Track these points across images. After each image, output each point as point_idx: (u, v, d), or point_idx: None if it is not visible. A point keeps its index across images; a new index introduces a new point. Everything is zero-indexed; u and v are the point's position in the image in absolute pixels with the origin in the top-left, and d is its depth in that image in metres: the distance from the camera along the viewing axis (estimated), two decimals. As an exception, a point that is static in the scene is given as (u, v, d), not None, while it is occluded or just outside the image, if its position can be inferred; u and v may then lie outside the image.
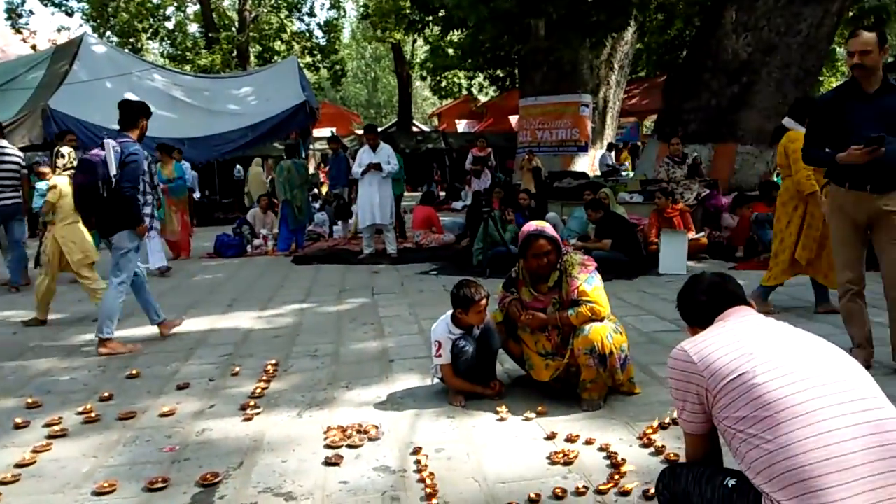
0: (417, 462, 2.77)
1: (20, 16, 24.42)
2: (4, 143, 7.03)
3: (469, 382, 3.50)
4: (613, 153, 16.84)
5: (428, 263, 7.98)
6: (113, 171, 4.55)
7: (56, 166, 5.77)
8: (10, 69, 16.14)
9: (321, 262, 8.53)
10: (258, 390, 3.71)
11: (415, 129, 31.51)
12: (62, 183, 5.63)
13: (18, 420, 3.37)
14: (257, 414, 3.39)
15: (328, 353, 4.45)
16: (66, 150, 6.53)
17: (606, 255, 6.49)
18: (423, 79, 31.38)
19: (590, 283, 3.40)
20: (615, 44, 15.81)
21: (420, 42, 31.53)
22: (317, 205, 12.31)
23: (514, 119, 23.20)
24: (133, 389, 3.86)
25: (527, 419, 3.19)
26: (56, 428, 3.25)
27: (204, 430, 3.23)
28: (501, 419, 3.21)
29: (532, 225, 3.54)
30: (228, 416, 3.39)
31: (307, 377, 3.98)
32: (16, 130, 11.80)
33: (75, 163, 5.61)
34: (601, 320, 3.33)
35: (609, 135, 17.06)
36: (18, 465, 2.86)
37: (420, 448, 2.88)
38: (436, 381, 3.60)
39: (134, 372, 4.12)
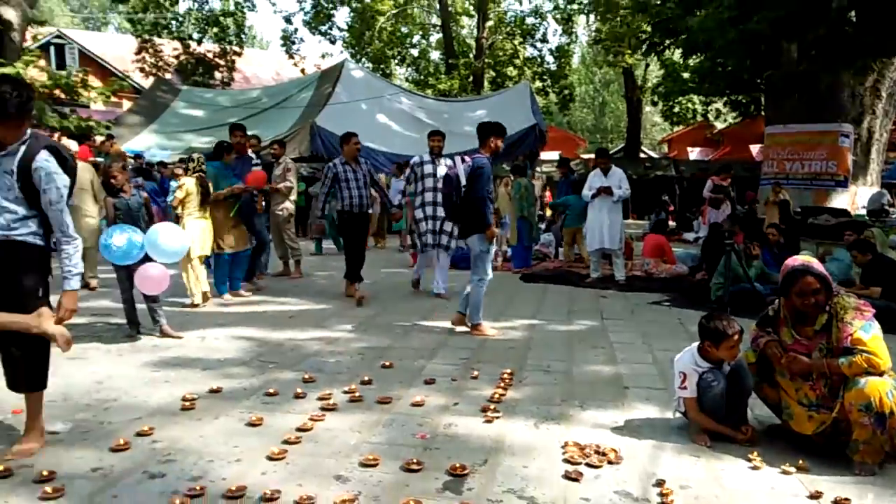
0: (662, 495, 2.70)
1: (293, 43, 28.11)
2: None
3: (715, 421, 3.33)
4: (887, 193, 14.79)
5: (659, 294, 7.72)
6: (463, 181, 5.52)
7: (188, 168, 6.65)
8: (285, 89, 18.73)
9: (547, 281, 8.65)
10: (496, 395, 3.87)
11: (643, 155, 30.67)
12: (189, 183, 6.35)
13: (298, 391, 3.90)
14: (497, 417, 3.54)
15: (560, 371, 4.51)
16: (195, 155, 7.46)
17: (876, 304, 5.74)
18: (655, 104, 30.45)
19: (867, 331, 3.06)
20: (883, 69, 14.00)
21: (653, 66, 30.69)
22: (542, 225, 12.51)
23: (755, 148, 21.54)
24: (388, 378, 4.26)
25: (785, 472, 2.95)
26: (328, 402, 3.70)
27: (450, 424, 3.46)
28: (755, 467, 3.01)
29: (797, 260, 3.28)
30: (470, 416, 3.59)
31: (541, 391, 4.07)
32: (290, 143, 13.58)
33: (203, 167, 6.55)
34: (880, 374, 2.98)
35: (874, 170, 15.09)
36: (300, 430, 3.30)
37: (664, 481, 2.81)
38: (677, 414, 3.48)
39: (388, 363, 4.54)
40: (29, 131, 3.06)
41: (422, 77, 30.88)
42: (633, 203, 21.98)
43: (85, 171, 7.02)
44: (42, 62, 15.64)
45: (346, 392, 3.89)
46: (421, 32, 32.00)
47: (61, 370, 4.31)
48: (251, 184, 7.07)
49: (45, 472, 2.77)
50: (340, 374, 4.33)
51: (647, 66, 31.22)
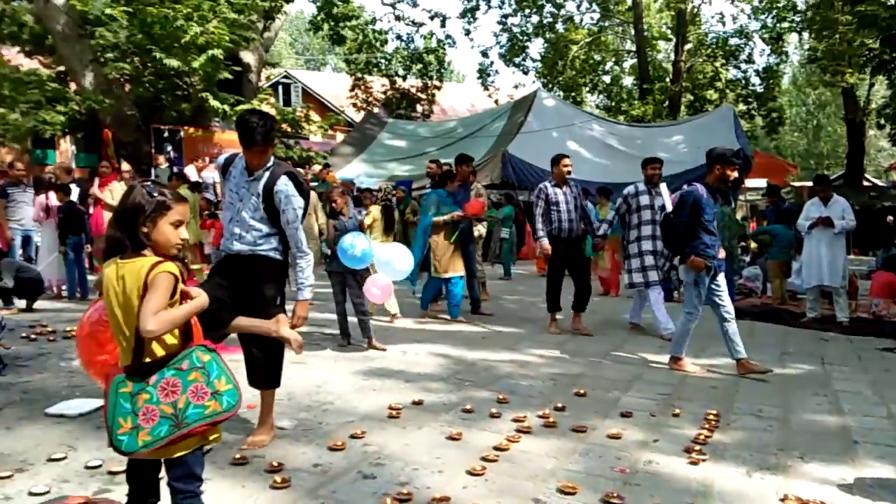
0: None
1: (488, 75, 29.09)
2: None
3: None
4: None
5: (891, 339, 6.78)
6: (668, 208, 5.40)
7: (377, 198, 6.89)
8: (479, 119, 19.41)
9: (755, 318, 7.98)
10: (701, 437, 3.64)
11: (867, 183, 27.33)
12: (375, 211, 7.30)
13: (493, 410, 3.98)
14: (703, 460, 3.33)
15: (774, 417, 4.13)
16: (384, 184, 7.65)
17: None
18: (881, 126, 27.05)
19: None
20: None
21: (878, 86, 27.33)
22: (747, 258, 11.60)
23: None
24: (581, 406, 4.20)
25: None
26: (523, 424, 3.72)
27: (650, 461, 3.31)
28: None
29: None
30: (673, 455, 3.40)
31: (753, 436, 3.75)
32: (481, 171, 14.02)
33: (390, 196, 6.78)
34: None
35: None
36: (497, 448, 3.36)
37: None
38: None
39: (581, 391, 4.48)
40: (272, 159, 3.49)
41: (613, 103, 30.32)
42: (856, 236, 19.60)
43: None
44: (272, 100, 17.73)
45: (540, 416, 3.90)
46: (614, 59, 31.50)
47: (286, 373, 4.79)
48: (469, 212, 7.15)
49: (274, 463, 3.10)
50: (533, 398, 4.34)
51: (872, 85, 27.87)
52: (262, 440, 3.42)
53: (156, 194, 2.06)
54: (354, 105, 24.79)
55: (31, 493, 2.77)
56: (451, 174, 7.34)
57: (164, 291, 1.97)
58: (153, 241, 2.05)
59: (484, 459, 3.21)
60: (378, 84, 25.13)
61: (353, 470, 3.09)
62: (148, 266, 1.98)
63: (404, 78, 24.92)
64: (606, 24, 30.06)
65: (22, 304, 7.17)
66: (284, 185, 3.38)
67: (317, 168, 15.00)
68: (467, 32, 25.56)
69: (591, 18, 29.84)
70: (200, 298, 2.08)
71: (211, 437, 2.11)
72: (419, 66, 24.72)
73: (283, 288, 3.54)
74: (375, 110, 23.38)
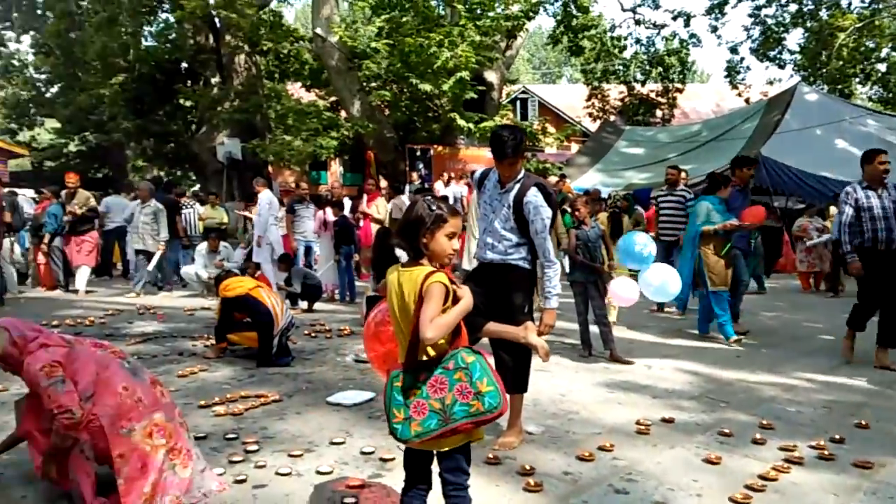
0: None
1: (738, 73, 26.90)
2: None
3: None
4: None
5: None
6: None
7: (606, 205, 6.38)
8: (727, 121, 18.03)
9: None
10: None
11: None
12: (602, 217, 7.37)
13: (757, 436, 3.66)
14: None
15: None
16: (613, 192, 6.96)
17: None
18: None
19: None
20: None
21: None
22: None
23: None
24: (864, 439, 3.69)
25: None
26: (793, 454, 3.38)
27: (961, 513, 2.80)
28: None
29: None
30: None
31: None
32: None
33: (618, 203, 6.20)
34: None
35: None
36: (763, 477, 3.09)
37: None
38: None
39: (863, 423, 3.93)
40: (522, 171, 3.62)
41: (891, 95, 26.15)
42: None
43: None
44: (510, 115, 18.34)
45: (813, 447, 3.49)
46: (891, 44, 27.16)
47: (531, 379, 4.93)
48: (747, 220, 6.44)
49: (526, 466, 3.19)
50: (803, 426, 3.91)
51: None
52: (512, 442, 3.54)
53: (434, 208, 2.26)
54: (590, 114, 24.59)
55: (318, 472, 3.18)
56: (724, 179, 6.71)
57: (437, 300, 2.15)
58: (430, 250, 2.25)
59: (748, 488, 2.97)
60: (615, 91, 24.67)
61: (604, 482, 3.07)
62: (423, 276, 2.18)
63: (643, 83, 24.14)
64: (881, 5, 26.07)
65: (304, 305, 8.30)
66: (534, 196, 3.48)
67: (553, 179, 15.16)
68: (714, 29, 23.79)
69: (863, 1, 26.13)
70: (466, 300, 2.24)
71: (475, 436, 2.25)
72: (659, 69, 23.77)
73: (531, 296, 3.65)
74: (612, 118, 22.96)
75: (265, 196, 9.36)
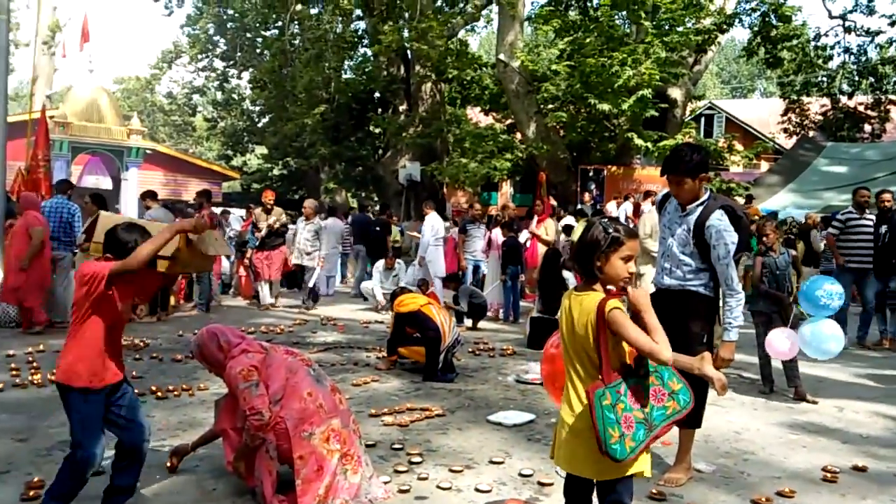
0: None
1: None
2: None
3: None
4: None
5: None
6: None
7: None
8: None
9: None
10: None
11: None
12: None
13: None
14: None
15: None
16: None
17: None
18: None
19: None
20: None
21: None
22: None
23: None
24: None
25: None
26: None
27: None
28: None
29: None
30: None
31: None
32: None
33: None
34: None
35: None
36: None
37: None
38: None
39: None
40: (707, 192, 3.44)
41: None
42: None
43: None
44: (692, 132, 17.40)
45: None
46: None
47: (704, 414, 4.63)
48: None
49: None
50: None
51: None
52: (679, 478, 3.36)
53: (611, 230, 2.22)
54: (785, 130, 22.59)
55: (477, 489, 3.24)
56: None
57: (630, 322, 2.13)
58: (605, 273, 2.22)
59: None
60: (816, 105, 22.46)
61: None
62: (595, 304, 2.15)
63: (850, 95, 21.73)
64: None
65: (469, 323, 8.50)
66: (718, 219, 3.29)
67: (738, 200, 14.13)
68: (941, 33, 20.81)
69: None
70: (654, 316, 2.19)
71: (642, 471, 2.19)
72: (871, 79, 21.25)
73: (711, 325, 3.45)
74: (811, 134, 20.93)
75: (430, 219, 9.77)
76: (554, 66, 14.78)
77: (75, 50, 25.00)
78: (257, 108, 27.25)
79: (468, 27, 21.62)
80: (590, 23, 14.80)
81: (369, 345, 7.07)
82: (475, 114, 22.49)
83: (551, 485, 3.26)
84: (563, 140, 15.69)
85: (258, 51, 24.56)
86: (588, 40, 13.97)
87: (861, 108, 21.54)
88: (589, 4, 16.86)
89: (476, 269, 10.16)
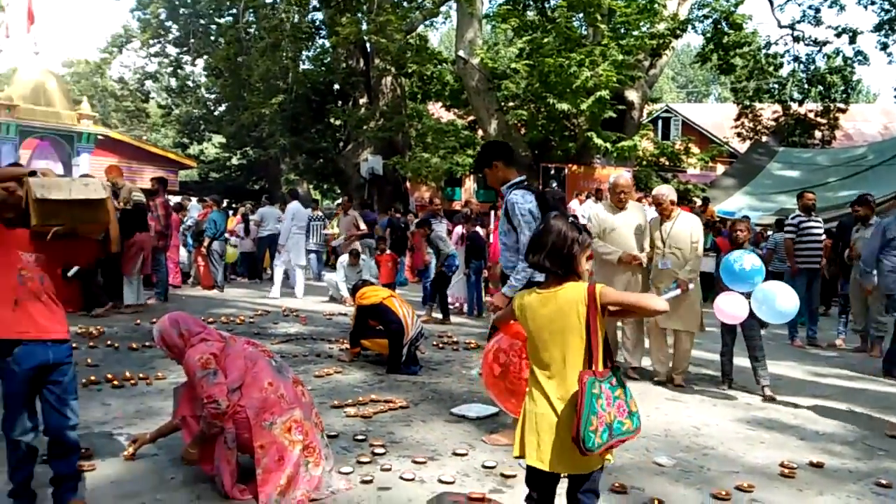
0: None
1: (914, 92, 24.31)
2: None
3: None
4: None
5: None
6: None
7: None
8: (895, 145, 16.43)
9: None
10: None
11: None
12: None
13: (923, 492, 3.27)
14: None
15: None
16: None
17: None
18: None
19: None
20: None
21: None
22: None
23: None
24: None
25: None
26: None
27: None
28: None
29: None
30: None
31: None
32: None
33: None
34: None
35: None
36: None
37: None
38: None
39: None
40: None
41: None
42: None
43: None
44: (650, 134, 17.70)
45: None
46: None
47: (663, 408, 4.71)
48: None
49: (656, 500, 3.05)
50: (985, 488, 3.43)
51: None
52: (499, 439, 3.77)
53: (582, 229, 2.27)
54: (739, 135, 23.19)
55: (440, 481, 3.22)
56: None
57: (622, 291, 2.26)
58: (580, 270, 2.26)
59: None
60: (768, 111, 23.11)
61: (740, 523, 2.86)
62: (579, 293, 2.19)
63: (800, 102, 22.43)
64: None
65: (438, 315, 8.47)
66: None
67: (696, 202, 14.46)
68: (884, 46, 21.64)
69: None
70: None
71: (608, 457, 2.21)
72: (819, 88, 21.98)
73: None
74: (764, 139, 21.54)
75: (290, 207, 10.41)
76: (513, 65, 14.84)
77: (20, 31, 24.00)
78: (213, 96, 26.62)
79: (427, 22, 21.54)
80: (547, 23, 14.90)
81: (332, 336, 6.97)
82: (437, 109, 22.46)
83: (514, 477, 3.25)
84: (523, 138, 15.77)
85: (212, 38, 23.96)
86: (546, 40, 14.06)
87: (811, 116, 22.25)
88: (547, 5, 16.98)
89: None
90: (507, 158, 3.88)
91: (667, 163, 17.13)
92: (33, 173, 2.61)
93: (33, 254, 2.64)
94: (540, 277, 2.69)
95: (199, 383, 2.96)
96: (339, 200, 21.80)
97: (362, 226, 11.59)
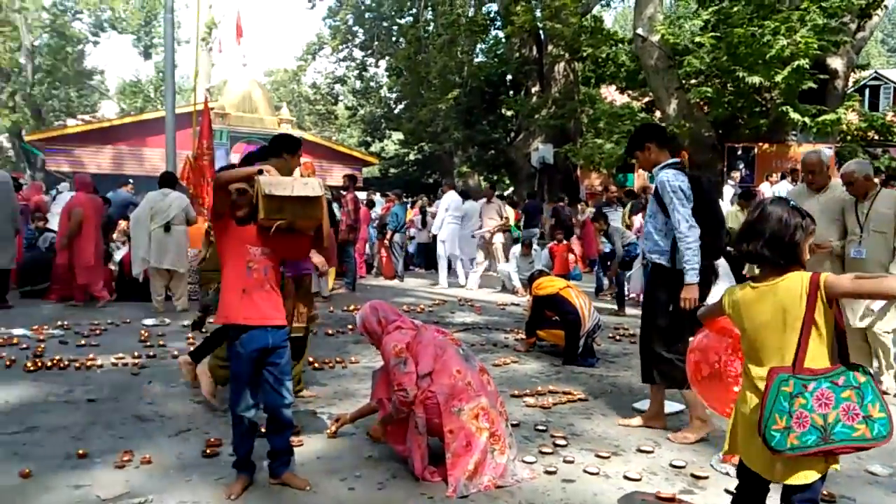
0: None
1: None
2: None
3: None
4: None
5: None
6: None
7: None
8: None
9: None
10: None
11: None
12: None
13: None
14: None
15: None
16: None
17: None
18: None
19: None
20: None
21: None
22: None
23: None
24: None
25: None
26: None
27: None
28: None
29: None
30: None
31: None
32: None
33: None
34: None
35: None
36: None
37: None
38: None
39: None
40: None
41: None
42: None
43: None
44: (857, 105, 15.78)
45: None
46: None
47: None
48: None
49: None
50: None
51: None
52: (688, 437, 3.68)
53: (804, 213, 2.15)
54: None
55: (626, 477, 3.16)
56: None
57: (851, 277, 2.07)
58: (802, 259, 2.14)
59: None
60: None
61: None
62: (802, 283, 2.06)
63: None
64: None
65: (616, 307, 8.30)
66: None
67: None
68: None
69: None
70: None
71: (832, 465, 2.08)
72: None
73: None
74: None
75: (445, 197, 10.61)
76: (697, 39, 13.95)
77: (230, 45, 26.94)
78: (394, 95, 28.04)
79: (603, 3, 20.93)
80: (737, -10, 13.79)
81: (507, 326, 7.10)
82: (610, 93, 21.77)
83: (706, 478, 3.12)
84: (707, 116, 14.79)
85: (394, 39, 25.23)
86: (735, 9, 13.03)
87: None
88: (736, -30, 15.70)
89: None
90: (660, 140, 3.84)
91: (876, 137, 15.19)
92: (260, 171, 2.88)
93: (259, 247, 2.95)
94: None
95: (392, 371, 3.18)
96: (507, 192, 22.00)
97: (505, 215, 11.22)
